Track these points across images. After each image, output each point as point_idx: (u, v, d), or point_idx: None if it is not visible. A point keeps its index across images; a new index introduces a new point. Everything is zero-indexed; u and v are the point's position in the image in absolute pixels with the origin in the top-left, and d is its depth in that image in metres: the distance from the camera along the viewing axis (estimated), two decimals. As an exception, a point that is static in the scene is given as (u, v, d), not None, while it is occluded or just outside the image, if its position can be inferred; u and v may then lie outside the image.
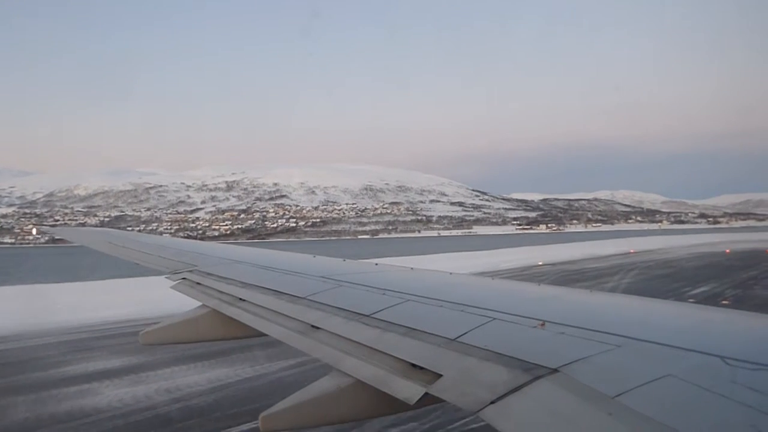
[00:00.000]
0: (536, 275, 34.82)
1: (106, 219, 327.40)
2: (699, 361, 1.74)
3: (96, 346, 15.40)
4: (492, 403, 1.81)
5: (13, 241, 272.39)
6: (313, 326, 3.05)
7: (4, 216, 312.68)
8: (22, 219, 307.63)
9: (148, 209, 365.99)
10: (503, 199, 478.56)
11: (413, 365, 2.27)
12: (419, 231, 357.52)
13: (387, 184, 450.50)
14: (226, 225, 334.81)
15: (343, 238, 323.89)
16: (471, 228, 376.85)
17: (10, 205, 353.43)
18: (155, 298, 22.03)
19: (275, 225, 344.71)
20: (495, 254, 53.07)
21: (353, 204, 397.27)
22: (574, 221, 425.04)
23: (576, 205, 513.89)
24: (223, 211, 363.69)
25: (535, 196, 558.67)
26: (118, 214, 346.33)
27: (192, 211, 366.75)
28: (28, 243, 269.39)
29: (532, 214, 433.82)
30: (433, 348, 2.33)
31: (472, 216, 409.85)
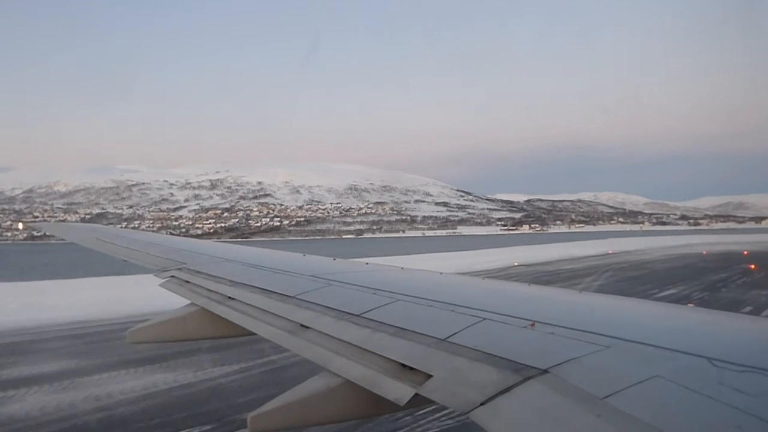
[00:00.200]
0: (510, 276, 34.68)
1: (87, 216, 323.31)
2: (687, 363, 1.75)
3: (37, 349, 14.74)
4: (482, 404, 1.81)
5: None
6: (302, 325, 3.03)
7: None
8: (0, 215, 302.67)
9: (130, 207, 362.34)
10: (488, 199, 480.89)
11: (403, 365, 2.26)
12: (404, 231, 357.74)
13: (372, 183, 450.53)
14: (210, 223, 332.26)
15: (327, 237, 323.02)
16: (455, 228, 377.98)
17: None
18: (118, 298, 21.70)
19: (259, 224, 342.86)
20: (473, 255, 53.05)
21: (338, 203, 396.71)
22: (558, 222, 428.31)
23: (560, 206, 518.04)
24: (207, 210, 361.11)
25: (520, 197, 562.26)
26: (100, 211, 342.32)
27: (175, 209, 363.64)
28: (6, 239, 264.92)
29: (517, 215, 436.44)
30: (424, 348, 2.32)
31: (457, 216, 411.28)
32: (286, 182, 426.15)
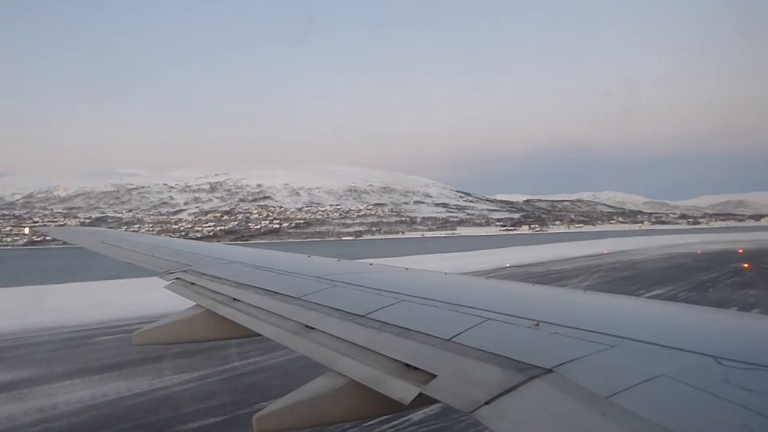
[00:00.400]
0: (501, 278, 34.32)
1: (87, 220, 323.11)
2: (692, 361, 1.75)
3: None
4: (486, 403, 1.81)
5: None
6: (307, 326, 3.03)
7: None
8: (1, 221, 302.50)
9: (130, 210, 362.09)
10: (487, 200, 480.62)
11: (408, 365, 2.26)
12: (403, 232, 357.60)
13: (371, 185, 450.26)
14: (209, 226, 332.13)
15: (327, 239, 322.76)
16: (455, 229, 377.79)
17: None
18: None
19: (258, 226, 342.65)
20: (467, 256, 52.84)
21: (337, 205, 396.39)
22: (557, 222, 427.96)
23: (559, 206, 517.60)
24: (206, 213, 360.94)
25: (520, 197, 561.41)
26: (99, 215, 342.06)
27: (175, 213, 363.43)
28: (6, 245, 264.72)
29: (516, 215, 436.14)
30: (428, 348, 2.32)
31: (456, 217, 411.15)
32: (286, 184, 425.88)
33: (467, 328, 2.43)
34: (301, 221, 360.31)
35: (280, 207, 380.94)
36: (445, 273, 4.24)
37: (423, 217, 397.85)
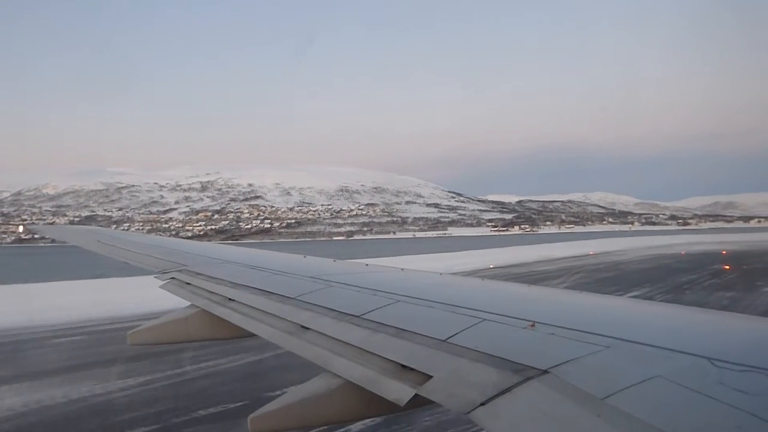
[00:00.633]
0: (482, 279, 34.22)
1: (76, 219, 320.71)
2: (687, 363, 1.75)
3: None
4: (482, 404, 1.80)
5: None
6: (302, 327, 3.02)
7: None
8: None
9: (120, 209, 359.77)
10: (478, 200, 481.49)
11: (403, 366, 2.26)
12: (394, 232, 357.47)
13: (363, 185, 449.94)
14: (200, 226, 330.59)
15: (318, 239, 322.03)
16: (446, 229, 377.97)
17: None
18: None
19: (249, 226, 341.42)
20: (454, 257, 52.80)
21: (329, 205, 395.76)
22: (548, 223, 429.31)
23: (550, 206, 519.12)
24: (197, 212, 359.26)
25: (511, 198, 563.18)
26: (89, 214, 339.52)
27: (165, 212, 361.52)
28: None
29: (507, 216, 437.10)
30: (424, 349, 2.32)
31: (448, 217, 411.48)
32: (277, 184, 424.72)
33: (463, 329, 2.42)
34: (293, 221, 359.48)
35: (272, 207, 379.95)
36: (441, 273, 4.23)
37: (414, 218, 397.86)
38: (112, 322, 18.63)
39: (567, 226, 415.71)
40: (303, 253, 5.90)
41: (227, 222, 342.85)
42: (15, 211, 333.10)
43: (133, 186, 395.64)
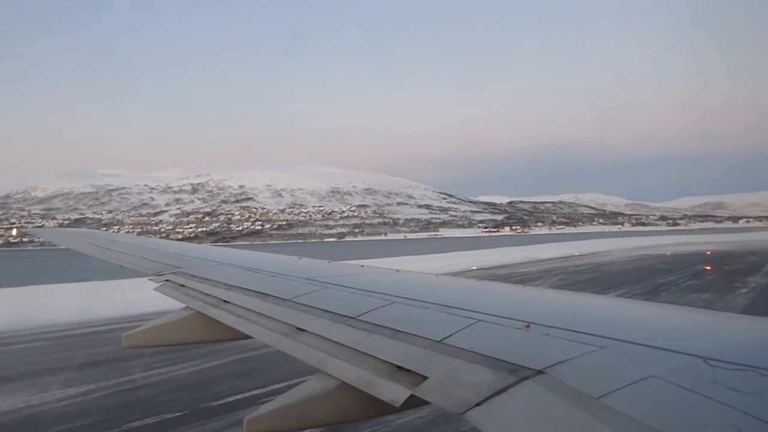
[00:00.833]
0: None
1: (65, 222, 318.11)
2: (681, 362, 1.76)
3: None
4: (477, 405, 1.81)
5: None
6: (298, 328, 3.03)
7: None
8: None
9: (110, 212, 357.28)
10: (470, 201, 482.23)
11: (399, 367, 2.27)
12: (386, 234, 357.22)
13: (354, 186, 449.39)
14: (191, 228, 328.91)
15: (309, 241, 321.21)
16: (437, 231, 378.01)
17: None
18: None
19: (240, 228, 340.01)
20: (440, 258, 52.64)
21: (320, 207, 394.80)
22: (539, 224, 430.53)
23: (541, 207, 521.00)
24: (188, 214, 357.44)
25: (503, 199, 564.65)
26: (78, 216, 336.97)
27: (155, 214, 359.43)
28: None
29: (499, 217, 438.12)
30: (419, 350, 2.33)
31: (439, 219, 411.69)
32: (268, 185, 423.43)
33: (458, 330, 2.43)
34: (284, 223, 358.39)
35: (263, 208, 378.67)
36: (436, 275, 4.26)
37: (406, 219, 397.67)
38: (82, 326, 18.55)
39: (558, 227, 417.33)
40: (293, 255, 5.91)
41: (218, 224, 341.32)
42: (3, 214, 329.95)
43: (123, 188, 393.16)
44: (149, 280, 5.16)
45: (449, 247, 77.71)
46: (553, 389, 1.75)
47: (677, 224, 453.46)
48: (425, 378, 2.11)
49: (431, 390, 2.02)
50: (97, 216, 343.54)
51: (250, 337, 3.32)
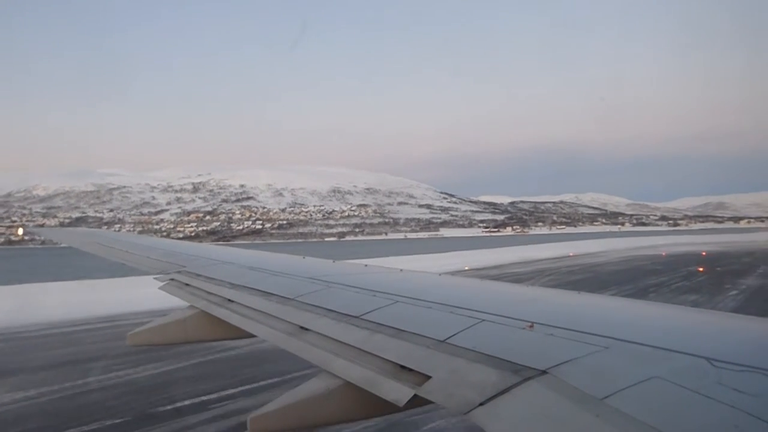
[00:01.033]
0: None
1: (67, 221, 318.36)
2: (686, 363, 1.75)
3: None
4: (481, 404, 1.82)
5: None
6: (302, 327, 3.06)
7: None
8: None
9: (111, 210, 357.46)
10: (471, 201, 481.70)
11: (402, 367, 2.28)
12: (386, 233, 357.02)
13: (355, 186, 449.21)
14: (192, 227, 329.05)
15: (310, 240, 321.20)
16: (438, 230, 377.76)
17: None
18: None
19: (241, 227, 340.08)
20: (436, 258, 52.83)
21: (321, 206, 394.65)
22: (540, 224, 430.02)
23: (542, 207, 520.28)
24: (189, 213, 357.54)
25: (504, 199, 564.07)
26: (80, 215, 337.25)
27: (156, 213, 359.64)
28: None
29: (499, 217, 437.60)
30: (423, 349, 2.34)
31: (440, 218, 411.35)
32: (269, 185, 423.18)
33: (462, 330, 2.44)
34: (284, 222, 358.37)
35: (263, 208, 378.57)
36: (440, 274, 4.29)
37: (407, 219, 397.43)
38: (63, 325, 18.53)
39: (558, 227, 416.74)
40: (294, 254, 5.95)
41: (219, 223, 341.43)
42: (5, 212, 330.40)
43: (125, 187, 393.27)
44: (154, 278, 5.22)
45: (447, 247, 77.78)
46: (557, 389, 1.75)
47: (678, 224, 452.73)
48: (429, 378, 2.11)
49: (435, 390, 2.03)
50: (98, 215, 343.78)
51: (254, 336, 3.36)
